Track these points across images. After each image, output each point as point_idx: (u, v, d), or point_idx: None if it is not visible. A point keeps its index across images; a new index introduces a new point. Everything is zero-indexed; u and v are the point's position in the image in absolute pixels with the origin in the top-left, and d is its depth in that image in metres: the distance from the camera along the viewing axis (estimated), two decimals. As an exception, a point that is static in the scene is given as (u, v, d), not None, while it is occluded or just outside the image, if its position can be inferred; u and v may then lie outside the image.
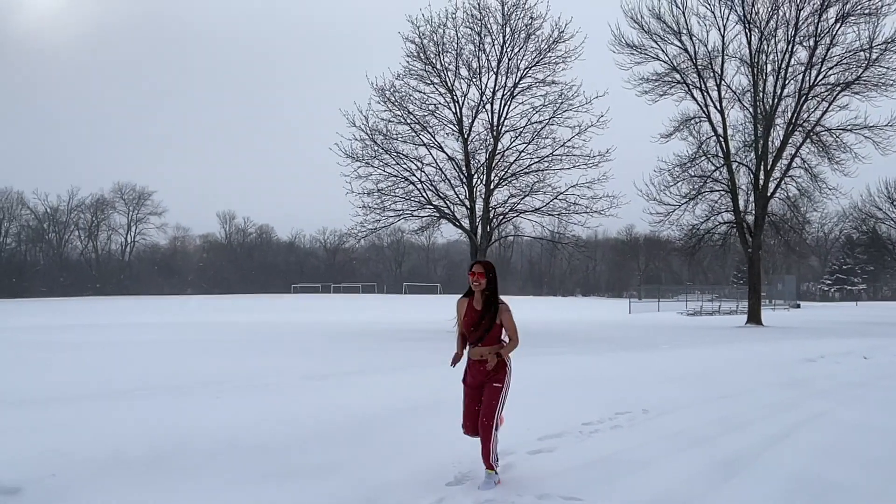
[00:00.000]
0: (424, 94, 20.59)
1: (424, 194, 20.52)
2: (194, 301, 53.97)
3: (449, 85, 20.49)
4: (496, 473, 4.72)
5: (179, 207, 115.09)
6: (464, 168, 20.67)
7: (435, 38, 20.24)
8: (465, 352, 4.88)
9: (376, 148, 20.11)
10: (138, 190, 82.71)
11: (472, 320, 4.78)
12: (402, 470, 4.98)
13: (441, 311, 30.25)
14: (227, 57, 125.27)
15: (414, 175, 20.46)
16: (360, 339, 16.85)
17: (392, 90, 20.28)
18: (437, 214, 20.86)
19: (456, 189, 20.84)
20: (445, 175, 20.76)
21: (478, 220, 20.67)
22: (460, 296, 4.94)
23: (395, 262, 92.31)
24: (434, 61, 20.32)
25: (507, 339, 4.82)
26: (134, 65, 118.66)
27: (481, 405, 4.70)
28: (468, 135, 20.69)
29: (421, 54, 20.22)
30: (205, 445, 4.99)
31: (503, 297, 4.86)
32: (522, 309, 40.97)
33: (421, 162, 20.63)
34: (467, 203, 20.73)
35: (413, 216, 20.88)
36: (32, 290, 67.95)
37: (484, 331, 4.71)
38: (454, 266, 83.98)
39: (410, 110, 20.34)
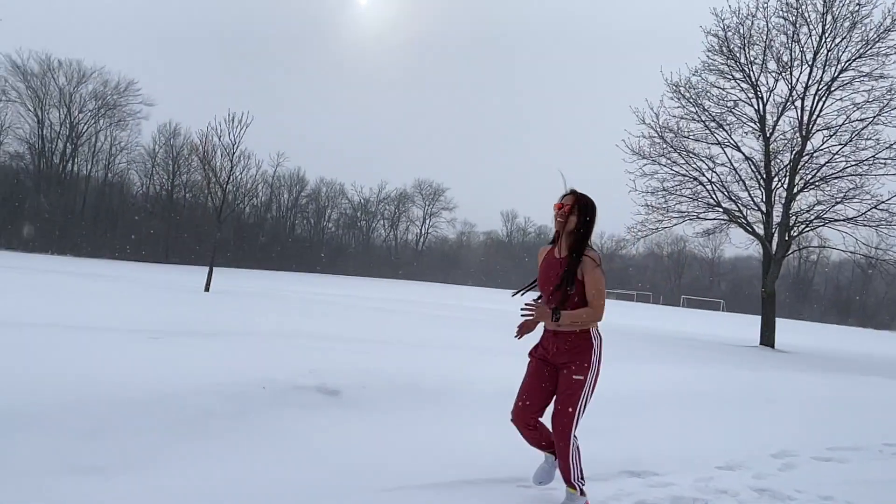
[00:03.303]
0: (723, 89, 19.36)
1: (714, 196, 19.33)
2: (474, 291, 57.69)
3: (753, 80, 18.99)
4: (580, 494, 3.42)
5: (468, 204, 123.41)
6: (762, 169, 19.02)
7: (741, 31, 18.91)
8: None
9: (665, 146, 19.49)
10: (434, 186, 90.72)
11: (550, 273, 3.46)
12: (673, 447, 4.95)
13: (724, 329, 28.24)
14: (516, 63, 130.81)
15: (704, 175, 19.39)
16: (635, 340, 16.57)
17: (687, 86, 19.48)
18: (727, 218, 19.50)
19: (751, 192, 19.27)
20: (740, 176, 19.29)
21: (774, 226, 18.88)
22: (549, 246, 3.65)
23: (674, 273, 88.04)
24: (738, 55, 19.00)
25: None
26: (437, 71, 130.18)
27: (556, 402, 3.43)
28: (771, 133, 18.97)
29: (723, 48, 19.04)
30: (483, 387, 5.51)
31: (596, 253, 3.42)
32: (824, 336, 36.26)
33: (713, 161, 19.45)
34: (763, 207, 19.04)
35: (699, 219, 19.82)
36: (345, 269, 78.51)
37: (564, 290, 3.35)
38: (742, 283, 77.34)
39: (706, 107, 19.30)
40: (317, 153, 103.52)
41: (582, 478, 3.43)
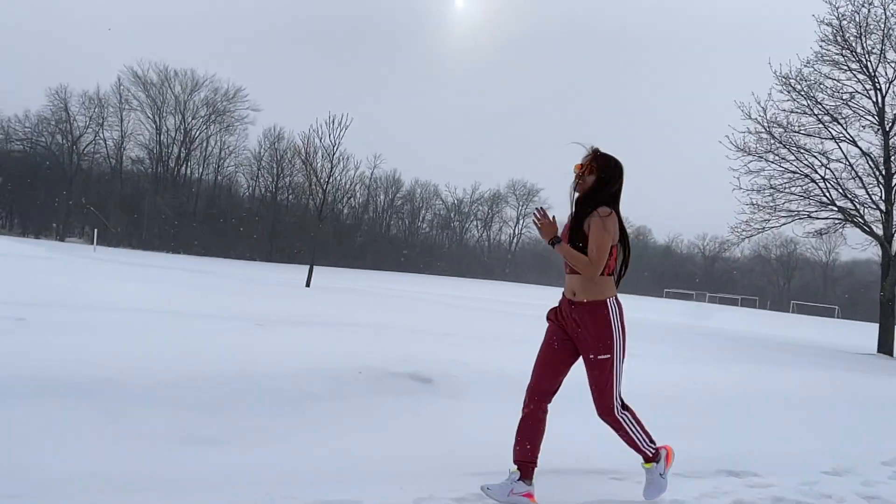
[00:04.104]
0: (838, 81, 18.18)
1: (827, 194, 18.17)
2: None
3: (871, 71, 17.73)
4: (655, 461, 3.33)
5: (562, 205, 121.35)
6: (881, 165, 17.73)
7: (857, 19, 17.73)
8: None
9: (772, 141, 18.53)
10: (528, 187, 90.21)
11: (563, 235, 3.30)
12: (776, 449, 4.79)
13: (838, 336, 26.55)
14: (613, 59, 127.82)
15: (816, 172, 18.28)
16: (739, 343, 15.89)
17: (798, 78, 18.43)
18: (841, 217, 18.30)
19: (869, 189, 17.99)
20: (856, 172, 18.04)
21: (895, 226, 17.57)
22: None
23: (782, 277, 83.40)
24: (854, 44, 17.82)
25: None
26: (531, 71, 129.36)
27: (591, 391, 3.30)
28: (891, 127, 17.65)
29: (838, 37, 17.91)
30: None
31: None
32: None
33: (826, 157, 18.31)
34: (882, 206, 17.74)
35: (810, 218, 18.70)
36: (439, 269, 79.49)
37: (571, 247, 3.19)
38: (860, 288, 72.09)
39: (819, 100, 18.20)
40: (412, 155, 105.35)
41: (650, 442, 3.34)
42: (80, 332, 5.08)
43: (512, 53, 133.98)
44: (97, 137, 63.21)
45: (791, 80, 18.45)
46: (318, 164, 20.40)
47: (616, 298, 3.24)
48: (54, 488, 3.00)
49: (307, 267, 20.47)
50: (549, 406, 3.39)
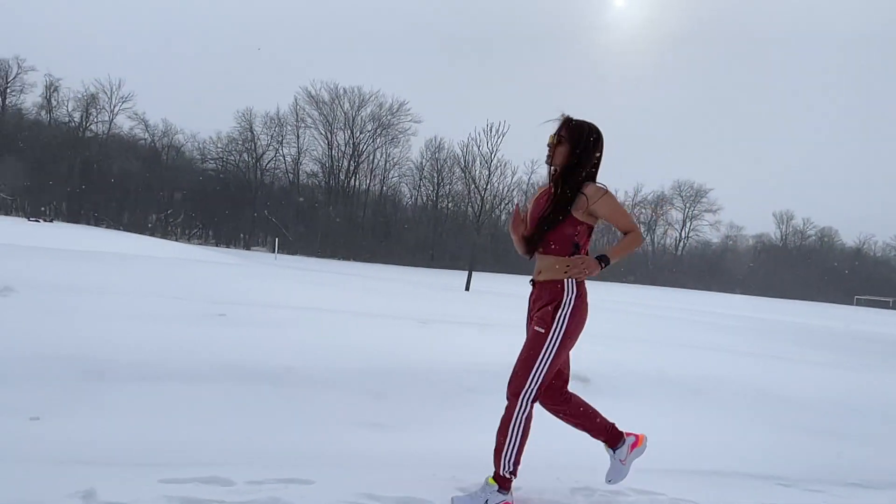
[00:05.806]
0: None
1: None
2: (743, 300, 53.34)
3: None
4: (499, 490, 2.85)
5: (734, 206, 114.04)
6: None
7: None
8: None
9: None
10: (696, 187, 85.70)
11: (535, 214, 2.99)
12: None
13: None
14: (789, 53, 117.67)
15: None
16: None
17: None
18: None
19: None
20: None
21: None
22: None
23: None
24: None
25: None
26: (698, 67, 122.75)
27: (515, 364, 2.95)
28: None
29: None
30: (732, 387, 5.30)
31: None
32: None
33: None
34: None
35: None
36: (601, 274, 77.59)
37: (542, 229, 2.89)
38: None
39: None
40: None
41: (513, 467, 2.87)
42: (269, 327, 5.73)
43: (674, 50, 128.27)
44: (277, 154, 69.27)
45: None
46: (477, 172, 20.95)
47: (574, 281, 2.92)
48: (247, 460, 3.47)
49: (466, 272, 21.05)
50: (570, 389, 3.31)
